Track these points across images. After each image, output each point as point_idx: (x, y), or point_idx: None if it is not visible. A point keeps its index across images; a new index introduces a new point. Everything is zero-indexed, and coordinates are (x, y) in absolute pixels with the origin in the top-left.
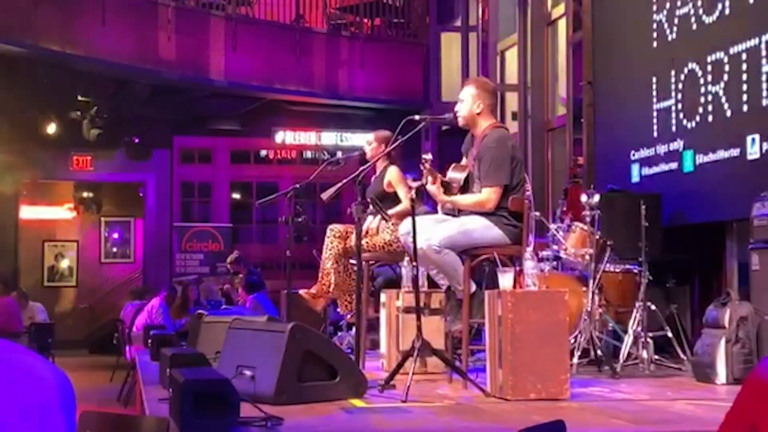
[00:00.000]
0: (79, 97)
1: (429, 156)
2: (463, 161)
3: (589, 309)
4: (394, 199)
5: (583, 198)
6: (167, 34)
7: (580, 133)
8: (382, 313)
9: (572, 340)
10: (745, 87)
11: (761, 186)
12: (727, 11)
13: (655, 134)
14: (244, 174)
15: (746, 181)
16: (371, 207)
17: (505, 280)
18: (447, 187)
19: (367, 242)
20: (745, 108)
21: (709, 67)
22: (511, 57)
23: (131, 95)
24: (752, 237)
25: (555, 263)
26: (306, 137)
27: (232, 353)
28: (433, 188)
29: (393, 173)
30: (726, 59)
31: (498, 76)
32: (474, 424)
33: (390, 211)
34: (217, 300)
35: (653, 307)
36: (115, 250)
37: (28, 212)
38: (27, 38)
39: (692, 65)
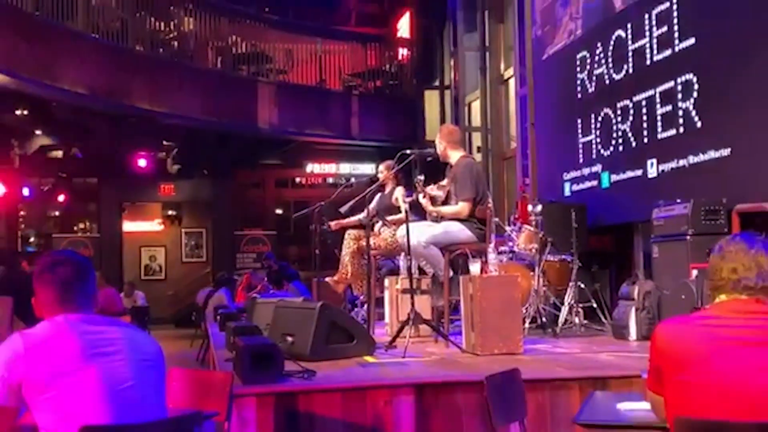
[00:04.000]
0: (164, 142)
1: (421, 177)
2: (443, 182)
3: (535, 288)
4: (398, 210)
5: (530, 208)
6: (227, 95)
7: (527, 160)
8: (386, 294)
9: (524, 311)
10: (645, 125)
11: (658, 197)
12: (630, 71)
13: (581, 160)
14: (284, 195)
15: (647, 194)
16: (377, 218)
17: (474, 268)
18: (433, 201)
19: (374, 242)
20: (645, 140)
21: (619, 111)
22: (476, 107)
23: (201, 140)
24: (653, 234)
25: (510, 255)
26: (328, 168)
27: (278, 325)
28: (424, 201)
29: (399, 192)
30: (631, 105)
31: (466, 121)
32: (454, 372)
33: (390, 218)
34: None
35: (582, 286)
36: (191, 252)
37: (129, 226)
38: (125, 100)
39: (606, 110)
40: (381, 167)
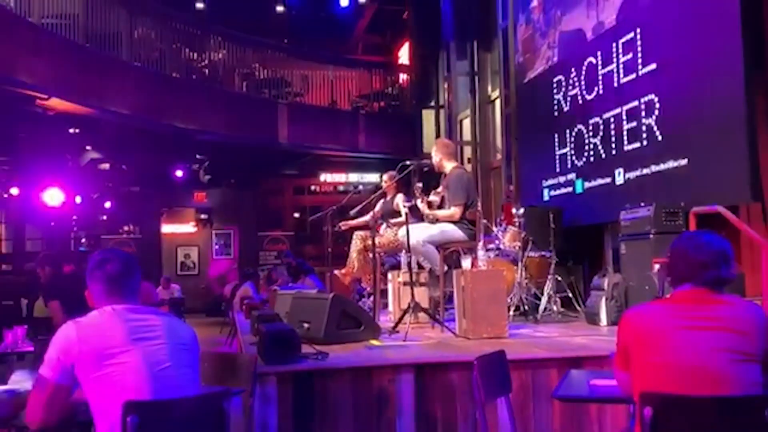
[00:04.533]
0: (197, 155)
1: (419, 185)
2: (439, 189)
3: (519, 281)
4: (399, 214)
5: (513, 211)
6: (251, 114)
7: (511, 170)
8: (389, 286)
9: (509, 300)
10: (613, 139)
11: (625, 201)
12: (600, 92)
13: (558, 169)
14: (301, 201)
15: (615, 198)
16: (381, 220)
17: (466, 263)
18: (429, 205)
19: (378, 241)
20: (613, 152)
21: (590, 127)
22: (466, 123)
23: (229, 153)
24: (620, 233)
25: (497, 252)
26: (338, 177)
27: (295, 313)
28: (422, 206)
29: (400, 198)
30: (601, 122)
31: (458, 136)
32: (449, 354)
33: (392, 221)
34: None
35: (559, 278)
36: (221, 250)
37: (166, 228)
38: (163, 119)
39: (580, 126)
40: (384, 177)
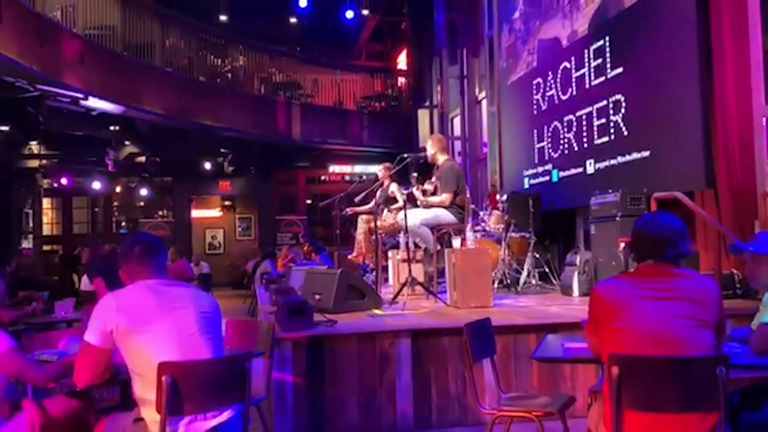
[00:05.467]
0: (221, 150)
1: (415, 175)
2: (432, 178)
3: (502, 257)
4: (395, 200)
5: (498, 197)
6: (268, 114)
7: (495, 162)
8: (390, 263)
9: (493, 275)
10: (585, 134)
11: (595, 188)
12: (574, 93)
13: (536, 161)
14: (312, 189)
15: (586, 186)
16: (382, 206)
17: (456, 242)
18: (424, 193)
19: (380, 225)
20: (585, 145)
21: (565, 124)
22: (457, 121)
23: (249, 148)
24: (590, 216)
25: (483, 233)
26: (345, 168)
27: (308, 286)
28: (418, 193)
29: (394, 186)
30: (574, 119)
31: (450, 132)
32: (441, 321)
33: (392, 207)
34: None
35: (537, 256)
36: (243, 232)
37: (196, 213)
38: (191, 118)
39: (555, 123)
40: (380, 168)
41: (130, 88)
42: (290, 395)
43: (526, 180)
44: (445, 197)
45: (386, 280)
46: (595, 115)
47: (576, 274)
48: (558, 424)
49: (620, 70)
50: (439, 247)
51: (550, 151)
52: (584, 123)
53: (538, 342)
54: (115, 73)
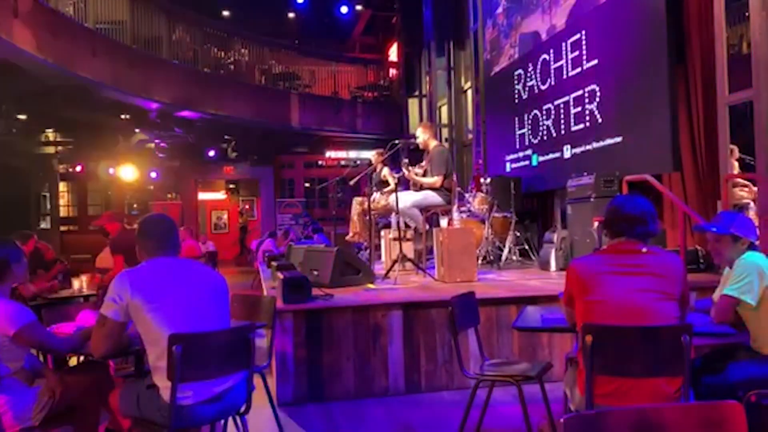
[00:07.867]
0: (225, 136)
1: (406, 160)
2: (423, 162)
3: (486, 236)
4: (387, 183)
5: (482, 180)
6: (269, 103)
7: (480, 147)
8: (382, 241)
9: (477, 252)
10: (562, 122)
11: (571, 171)
12: (552, 83)
13: (517, 146)
14: (311, 173)
15: (563, 169)
16: (375, 188)
17: (443, 222)
18: (417, 174)
19: (373, 206)
20: (562, 132)
21: (544, 112)
22: (444, 109)
23: (251, 135)
24: (567, 197)
25: (468, 213)
26: (341, 154)
27: (307, 263)
28: (410, 175)
29: (386, 171)
30: (552, 108)
31: (438, 119)
32: (430, 294)
33: (385, 190)
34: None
35: (518, 234)
36: (246, 213)
37: (202, 195)
38: (197, 107)
39: (535, 111)
40: (373, 153)
41: (139, 79)
42: (291, 363)
43: (508, 164)
44: (436, 179)
45: (379, 257)
46: (572, 103)
47: (553, 250)
48: (536, 387)
49: (596, 62)
50: (427, 227)
51: (531, 137)
52: (562, 111)
53: (518, 313)
54: (124, 65)
